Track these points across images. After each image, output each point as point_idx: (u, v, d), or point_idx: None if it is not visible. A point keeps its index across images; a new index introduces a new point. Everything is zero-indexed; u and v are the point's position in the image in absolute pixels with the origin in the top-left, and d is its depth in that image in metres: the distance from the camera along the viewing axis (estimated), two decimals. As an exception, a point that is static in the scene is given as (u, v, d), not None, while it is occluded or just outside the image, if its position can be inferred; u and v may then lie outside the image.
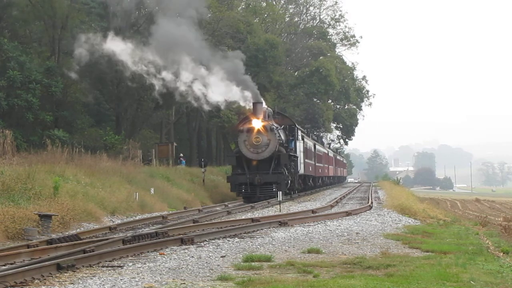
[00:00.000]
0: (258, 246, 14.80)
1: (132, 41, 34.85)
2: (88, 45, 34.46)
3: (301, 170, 38.72)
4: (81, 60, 34.93)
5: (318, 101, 73.12)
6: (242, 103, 34.37)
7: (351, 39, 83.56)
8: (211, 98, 33.24)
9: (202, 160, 42.78)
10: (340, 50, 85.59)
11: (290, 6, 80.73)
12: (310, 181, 46.08)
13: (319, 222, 20.61)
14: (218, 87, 32.89)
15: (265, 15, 68.95)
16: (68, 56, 41.31)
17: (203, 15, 38.51)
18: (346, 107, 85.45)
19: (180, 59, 32.46)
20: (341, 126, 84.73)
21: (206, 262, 12.34)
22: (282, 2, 78.91)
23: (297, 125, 38.54)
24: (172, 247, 14.29)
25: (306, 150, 41.28)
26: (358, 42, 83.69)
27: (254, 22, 59.93)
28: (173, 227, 17.59)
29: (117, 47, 33.44)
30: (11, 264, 11.98)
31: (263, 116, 33.20)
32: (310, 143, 44.75)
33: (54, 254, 12.66)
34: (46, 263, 10.99)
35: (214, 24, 51.45)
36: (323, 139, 69.32)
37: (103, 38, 34.16)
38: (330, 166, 62.56)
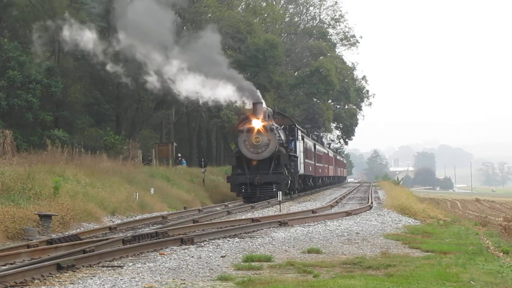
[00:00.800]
0: (258, 246, 14.80)
1: (98, 28, 32.84)
2: (47, 36, 33.28)
3: (301, 170, 38.71)
4: (40, 55, 33.74)
5: (318, 101, 73.10)
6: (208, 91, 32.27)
7: (351, 39, 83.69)
8: (185, 91, 31.92)
9: (202, 160, 42.77)
10: (340, 50, 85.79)
11: (290, 6, 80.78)
12: (310, 181, 46.08)
13: (319, 222, 20.60)
14: (188, 82, 31.68)
15: (265, 15, 68.96)
16: (68, 56, 41.30)
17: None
18: (346, 107, 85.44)
19: (148, 49, 30.35)
20: (341, 126, 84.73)
21: (206, 262, 12.33)
22: (282, 2, 78.95)
23: (297, 125, 38.53)
24: (172, 247, 14.29)
25: (306, 150, 41.27)
26: (358, 42, 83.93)
27: (254, 22, 59.92)
28: (173, 227, 17.58)
29: (82, 36, 31.53)
30: (11, 264, 11.97)
31: (263, 116, 33.18)
32: (310, 143, 44.73)
33: (54, 254, 12.65)
34: (46, 263, 10.99)
35: (214, 24, 51.44)
36: (323, 139, 69.29)
37: (60, 27, 31.85)
38: (330, 166, 62.54)
